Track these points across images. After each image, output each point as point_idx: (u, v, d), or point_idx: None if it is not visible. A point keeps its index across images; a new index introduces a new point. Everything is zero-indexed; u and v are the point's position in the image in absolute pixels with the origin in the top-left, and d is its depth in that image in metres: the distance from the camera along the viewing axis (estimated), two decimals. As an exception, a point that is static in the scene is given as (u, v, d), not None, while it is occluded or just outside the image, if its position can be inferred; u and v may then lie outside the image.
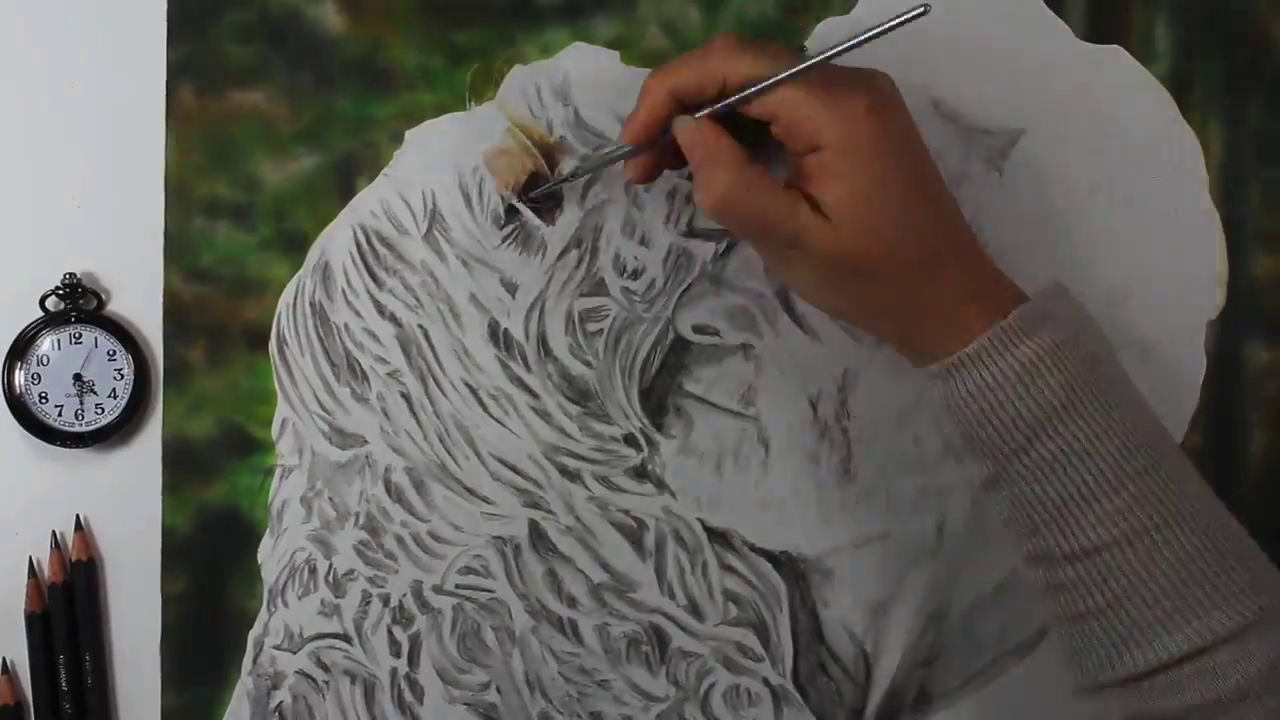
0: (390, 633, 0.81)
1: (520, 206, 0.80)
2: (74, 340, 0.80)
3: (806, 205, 0.69)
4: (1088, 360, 0.69)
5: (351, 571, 0.81)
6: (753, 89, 0.70)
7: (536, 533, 0.81)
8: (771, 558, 0.81)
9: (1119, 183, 0.82)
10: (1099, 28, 0.82)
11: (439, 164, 0.80)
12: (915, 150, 0.71)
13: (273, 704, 0.81)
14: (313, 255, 0.81)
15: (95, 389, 0.80)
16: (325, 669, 0.81)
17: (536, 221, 0.80)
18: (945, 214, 0.71)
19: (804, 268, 0.71)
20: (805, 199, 0.70)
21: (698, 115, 0.71)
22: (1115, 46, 0.82)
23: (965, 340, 0.69)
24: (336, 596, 0.81)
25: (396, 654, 0.81)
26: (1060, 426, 0.68)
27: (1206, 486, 0.70)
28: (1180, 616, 0.66)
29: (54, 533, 0.80)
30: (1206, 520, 0.68)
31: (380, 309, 0.81)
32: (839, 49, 0.69)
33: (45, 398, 0.79)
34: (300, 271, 0.80)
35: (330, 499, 0.81)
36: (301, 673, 0.81)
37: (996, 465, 0.69)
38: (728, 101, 0.71)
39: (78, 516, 0.80)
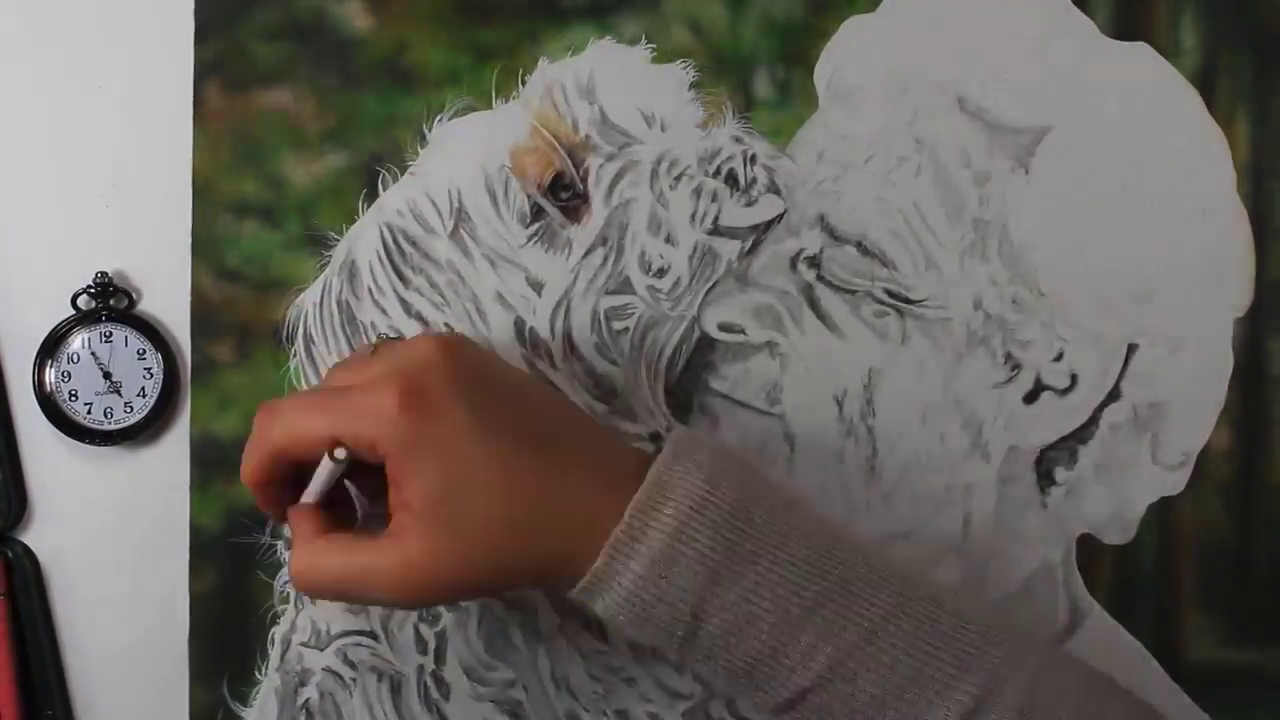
0: (417, 630, 0.81)
1: (546, 205, 0.80)
2: (104, 339, 0.80)
3: (367, 542, 0.65)
4: (719, 520, 0.64)
5: (379, 569, 0.80)
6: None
7: (563, 530, 0.80)
8: (797, 555, 0.81)
9: (1145, 180, 0.81)
10: (1124, 24, 0.82)
11: (465, 163, 0.80)
12: (461, 427, 0.64)
13: (300, 701, 0.80)
14: (339, 254, 0.80)
15: (125, 387, 0.80)
16: (352, 666, 0.80)
17: (563, 220, 0.81)
18: (541, 453, 0.65)
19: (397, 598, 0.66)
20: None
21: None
22: (1141, 43, 0.82)
23: (595, 554, 0.64)
24: (364, 594, 0.80)
25: (423, 651, 0.80)
26: (716, 602, 0.64)
27: (899, 570, 0.67)
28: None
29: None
30: (900, 620, 0.65)
31: (407, 307, 0.80)
32: None
33: (75, 395, 0.79)
34: (327, 270, 0.80)
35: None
36: (329, 670, 0.80)
37: (678, 655, 0.66)
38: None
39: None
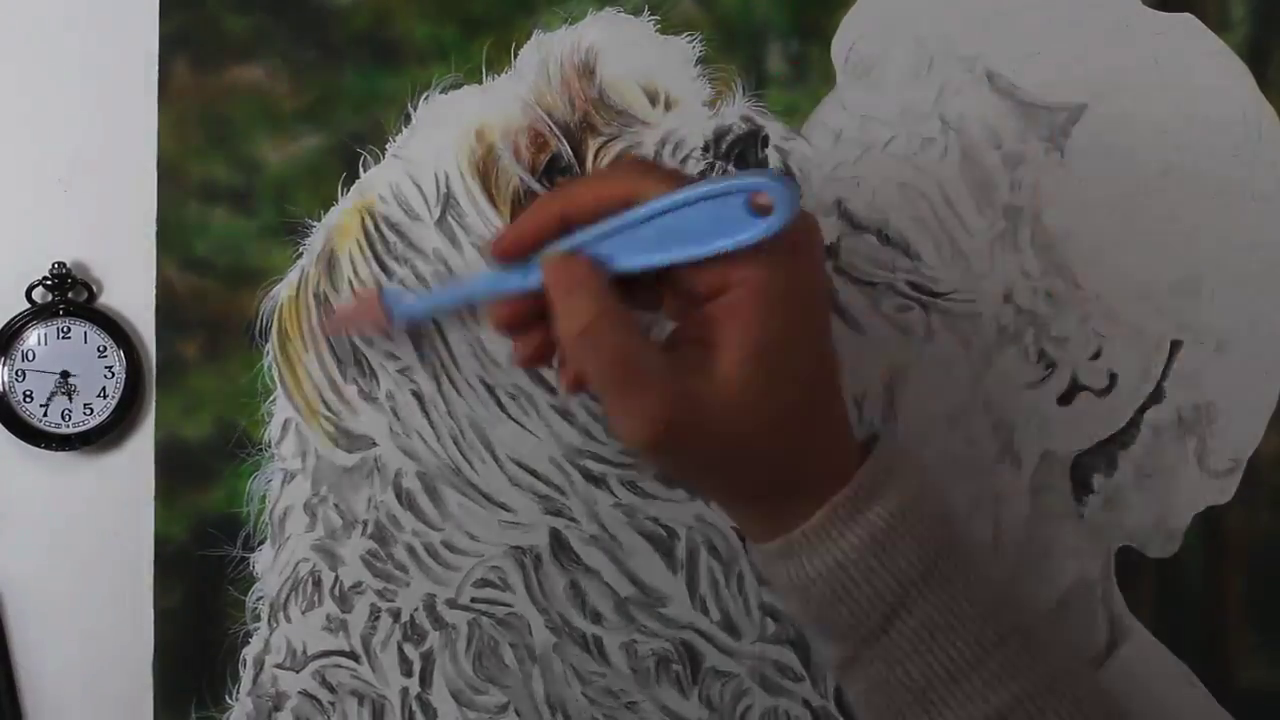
0: (401, 650, 0.79)
1: (541, 190, 0.79)
2: (62, 335, 0.79)
3: (689, 365, 0.63)
4: (936, 517, 0.65)
5: (359, 584, 0.80)
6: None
7: (558, 542, 0.79)
8: (813, 570, 0.80)
9: (1190, 162, 0.80)
10: (1169, -7, 0.81)
11: (453, 144, 0.79)
12: (825, 298, 0.67)
13: (274, 727, 0.81)
14: (316, 243, 0.79)
15: (84, 388, 0.79)
16: (331, 689, 0.80)
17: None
18: (830, 372, 0.66)
19: (660, 431, 0.63)
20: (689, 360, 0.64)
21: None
22: (1186, 15, 0.81)
23: (809, 514, 0.64)
24: (343, 611, 0.80)
25: (408, 673, 0.79)
26: (920, 600, 0.64)
27: (1061, 635, 0.70)
28: None
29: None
30: (1071, 681, 0.66)
31: (390, 300, 0.81)
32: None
33: (30, 396, 0.78)
34: (303, 260, 0.79)
35: (336, 506, 0.80)
36: (305, 693, 0.80)
37: (853, 648, 0.65)
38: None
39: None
